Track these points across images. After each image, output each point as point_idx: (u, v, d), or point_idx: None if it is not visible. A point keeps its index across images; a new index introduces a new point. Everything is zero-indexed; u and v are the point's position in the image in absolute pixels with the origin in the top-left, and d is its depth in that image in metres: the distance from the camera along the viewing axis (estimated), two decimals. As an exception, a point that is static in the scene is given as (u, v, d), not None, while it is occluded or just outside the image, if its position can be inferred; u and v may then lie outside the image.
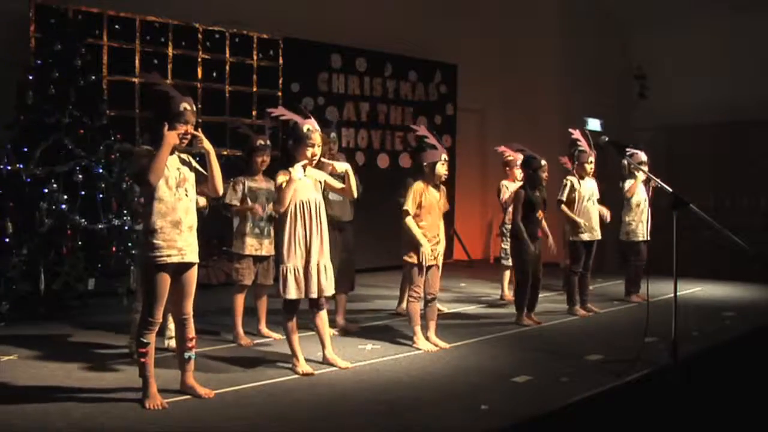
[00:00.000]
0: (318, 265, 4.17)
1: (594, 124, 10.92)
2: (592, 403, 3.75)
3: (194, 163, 3.71)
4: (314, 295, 4.18)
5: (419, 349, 4.77)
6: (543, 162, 5.87)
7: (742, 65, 9.97)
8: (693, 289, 7.66)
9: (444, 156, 4.86)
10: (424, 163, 4.85)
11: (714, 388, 4.42)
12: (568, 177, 6.21)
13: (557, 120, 10.53)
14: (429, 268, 4.85)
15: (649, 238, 6.74)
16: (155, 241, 3.48)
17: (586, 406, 3.71)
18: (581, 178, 6.17)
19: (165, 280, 3.51)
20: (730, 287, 7.86)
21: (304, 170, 4.18)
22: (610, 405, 3.86)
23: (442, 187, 4.96)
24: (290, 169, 4.13)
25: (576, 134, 6.17)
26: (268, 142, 5.05)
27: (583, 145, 6.13)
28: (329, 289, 4.24)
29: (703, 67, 10.25)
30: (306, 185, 4.20)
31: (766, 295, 7.36)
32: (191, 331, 3.69)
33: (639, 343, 4.42)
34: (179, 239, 3.53)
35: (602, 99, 10.87)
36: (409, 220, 4.79)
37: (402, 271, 5.91)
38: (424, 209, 4.81)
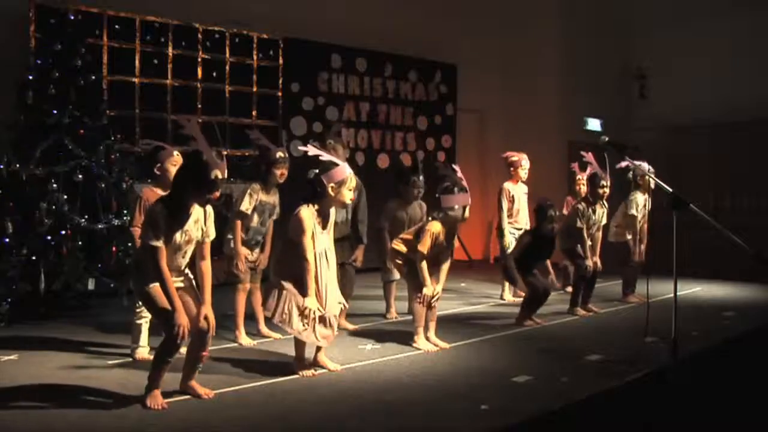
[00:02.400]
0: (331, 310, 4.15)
1: (594, 124, 10.92)
2: (592, 403, 3.75)
3: (208, 220, 3.65)
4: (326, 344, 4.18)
5: (419, 349, 4.77)
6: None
7: (742, 65, 9.96)
8: (693, 289, 7.66)
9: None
10: (455, 206, 4.73)
11: (714, 388, 4.42)
12: (580, 204, 6.18)
13: (557, 120, 10.55)
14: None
15: (641, 244, 6.77)
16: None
17: (586, 406, 3.71)
18: (594, 202, 6.13)
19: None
20: (730, 287, 7.87)
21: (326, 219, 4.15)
22: (610, 405, 3.86)
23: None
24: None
25: (588, 157, 6.10)
26: (286, 155, 4.95)
27: (596, 167, 6.07)
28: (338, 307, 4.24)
29: (703, 67, 10.25)
30: (324, 234, 4.15)
31: (766, 295, 7.36)
32: (208, 346, 3.68)
33: (639, 343, 4.42)
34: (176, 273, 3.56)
35: (602, 99, 10.87)
36: (423, 264, 4.72)
37: (382, 278, 5.94)
38: (435, 250, 4.78)
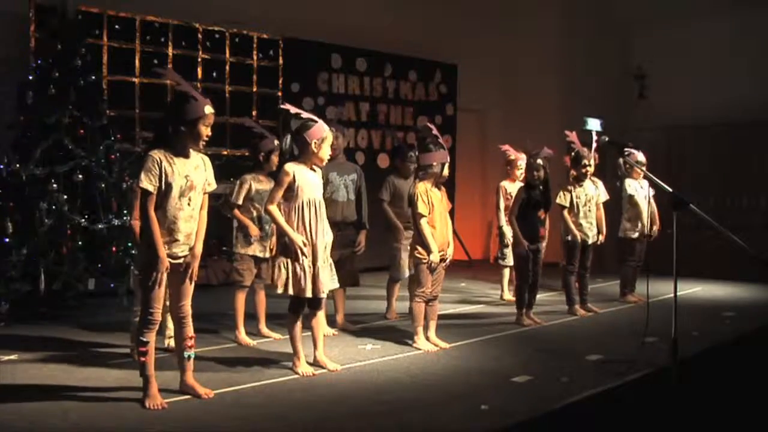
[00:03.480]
0: (324, 262, 4.15)
1: (594, 124, 10.91)
2: (592, 403, 3.75)
3: (208, 169, 3.66)
4: (323, 295, 4.16)
5: (419, 349, 4.77)
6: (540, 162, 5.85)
7: (742, 65, 9.96)
8: (693, 289, 7.67)
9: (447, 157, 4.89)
10: (433, 163, 4.81)
11: (714, 388, 4.41)
12: (567, 187, 6.19)
13: (557, 120, 10.54)
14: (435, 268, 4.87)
15: (649, 234, 6.75)
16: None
17: (586, 406, 3.71)
18: (580, 180, 6.16)
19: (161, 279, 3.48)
20: (730, 287, 7.87)
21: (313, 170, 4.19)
22: (610, 405, 3.86)
23: (442, 187, 4.96)
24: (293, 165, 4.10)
25: (571, 137, 6.16)
26: (278, 143, 5.00)
27: (578, 146, 6.12)
28: (333, 284, 4.24)
29: (703, 67, 10.24)
30: (314, 184, 4.18)
31: (766, 295, 7.36)
32: (190, 330, 3.68)
33: (639, 343, 4.42)
34: (174, 246, 3.52)
35: (602, 99, 10.87)
36: (424, 223, 4.74)
37: (390, 275, 5.93)
38: (433, 211, 4.80)
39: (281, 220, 4.07)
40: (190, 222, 3.57)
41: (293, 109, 4.25)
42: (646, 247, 6.91)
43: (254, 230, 4.90)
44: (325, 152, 4.19)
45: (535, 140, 9.77)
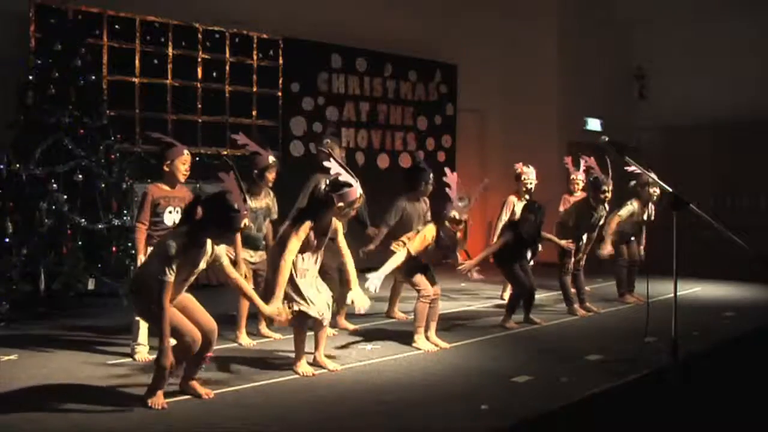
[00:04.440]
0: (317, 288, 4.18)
1: (594, 124, 10.92)
2: (592, 403, 3.75)
3: (225, 259, 3.70)
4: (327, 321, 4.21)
5: (419, 349, 4.77)
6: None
7: (742, 65, 9.97)
8: (693, 289, 7.66)
9: (454, 213, 4.77)
10: (453, 215, 4.71)
11: (714, 388, 4.41)
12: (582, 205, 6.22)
13: (557, 120, 10.55)
14: (426, 268, 4.89)
15: (640, 259, 6.76)
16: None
17: (586, 406, 3.71)
18: (594, 207, 6.15)
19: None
20: (730, 287, 7.86)
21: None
22: (610, 405, 3.86)
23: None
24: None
25: (590, 162, 6.13)
26: (276, 160, 5.02)
27: (597, 172, 6.11)
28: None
29: (703, 67, 10.25)
30: (310, 260, 4.16)
31: (766, 295, 7.36)
32: (211, 350, 3.72)
33: (639, 343, 4.42)
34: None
35: (602, 99, 10.87)
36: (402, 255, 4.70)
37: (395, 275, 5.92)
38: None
39: (283, 278, 3.97)
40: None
41: (335, 168, 4.13)
42: (645, 247, 6.91)
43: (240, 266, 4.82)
44: (350, 213, 4.21)
45: (536, 140, 9.76)
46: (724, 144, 9.94)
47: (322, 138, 5.88)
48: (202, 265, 3.59)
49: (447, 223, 4.71)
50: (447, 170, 4.91)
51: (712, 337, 5.29)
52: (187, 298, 3.68)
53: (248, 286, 3.77)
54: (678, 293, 3.99)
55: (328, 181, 4.18)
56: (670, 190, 4.04)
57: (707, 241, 6.71)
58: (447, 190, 4.79)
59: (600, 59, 10.78)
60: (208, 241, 3.56)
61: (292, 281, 4.03)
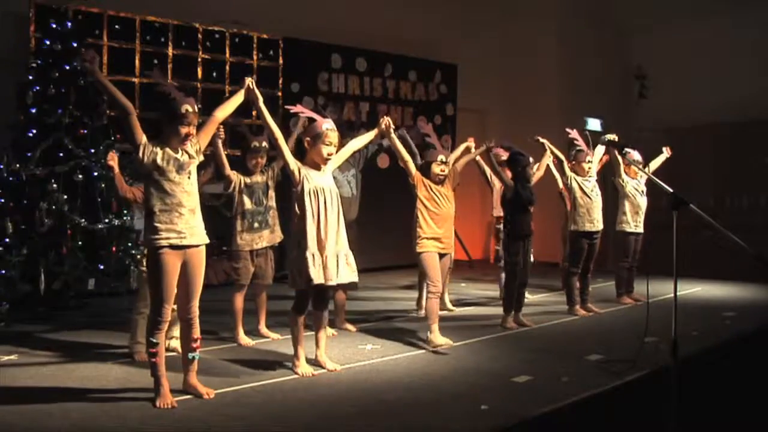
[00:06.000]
0: (337, 255, 4.07)
1: (594, 124, 10.92)
2: (592, 403, 3.75)
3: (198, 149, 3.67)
4: (332, 282, 4.04)
5: (434, 344, 4.76)
6: (530, 159, 5.83)
7: (742, 65, 9.96)
8: (693, 289, 7.66)
9: (441, 157, 4.95)
10: (441, 159, 4.95)
11: (714, 388, 4.42)
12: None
13: (557, 120, 10.54)
14: (441, 257, 4.94)
15: (640, 231, 6.72)
16: (154, 224, 3.47)
17: (586, 406, 3.71)
18: (579, 175, 6.18)
19: (168, 270, 3.46)
20: (730, 287, 7.86)
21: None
22: (610, 405, 3.86)
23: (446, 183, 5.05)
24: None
25: (573, 134, 6.17)
26: (264, 144, 4.94)
27: (581, 144, 6.14)
28: (351, 276, 4.14)
29: (703, 67, 10.25)
30: (318, 174, 4.12)
31: (766, 295, 7.36)
32: (197, 332, 3.67)
33: (639, 343, 4.42)
34: (179, 222, 3.50)
35: (602, 99, 10.87)
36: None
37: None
38: (435, 203, 4.92)
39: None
40: (193, 197, 3.59)
41: (297, 108, 4.33)
42: (643, 247, 6.90)
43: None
44: (323, 151, 4.09)
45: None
46: (724, 144, 9.93)
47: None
48: (183, 158, 3.55)
49: (434, 166, 4.96)
50: (421, 121, 5.65)
51: (712, 337, 5.29)
52: (193, 273, 3.59)
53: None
54: (678, 293, 3.99)
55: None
56: (670, 190, 4.04)
57: (707, 241, 6.72)
58: (427, 139, 5.15)
59: (600, 59, 10.77)
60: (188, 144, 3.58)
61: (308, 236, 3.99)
